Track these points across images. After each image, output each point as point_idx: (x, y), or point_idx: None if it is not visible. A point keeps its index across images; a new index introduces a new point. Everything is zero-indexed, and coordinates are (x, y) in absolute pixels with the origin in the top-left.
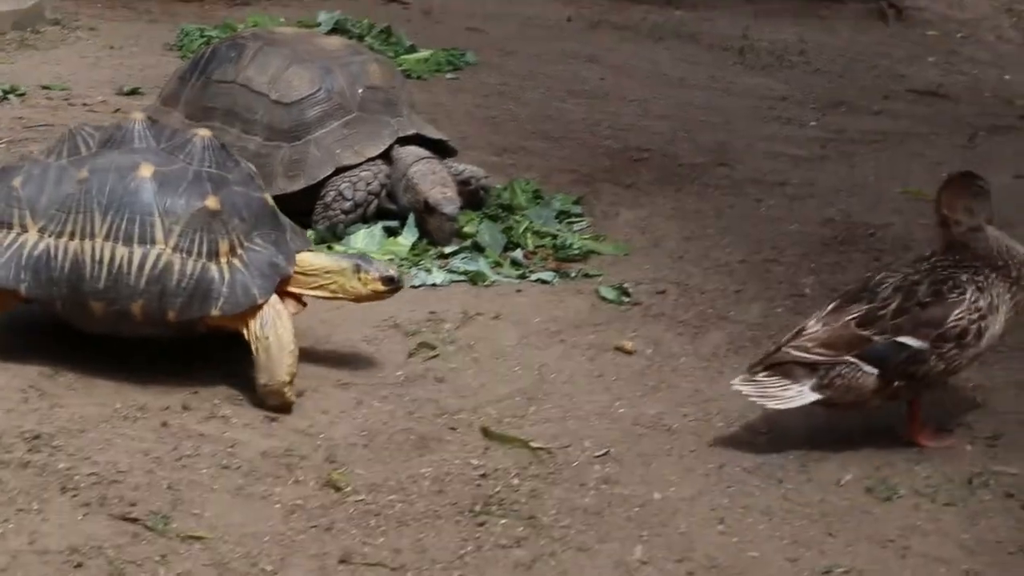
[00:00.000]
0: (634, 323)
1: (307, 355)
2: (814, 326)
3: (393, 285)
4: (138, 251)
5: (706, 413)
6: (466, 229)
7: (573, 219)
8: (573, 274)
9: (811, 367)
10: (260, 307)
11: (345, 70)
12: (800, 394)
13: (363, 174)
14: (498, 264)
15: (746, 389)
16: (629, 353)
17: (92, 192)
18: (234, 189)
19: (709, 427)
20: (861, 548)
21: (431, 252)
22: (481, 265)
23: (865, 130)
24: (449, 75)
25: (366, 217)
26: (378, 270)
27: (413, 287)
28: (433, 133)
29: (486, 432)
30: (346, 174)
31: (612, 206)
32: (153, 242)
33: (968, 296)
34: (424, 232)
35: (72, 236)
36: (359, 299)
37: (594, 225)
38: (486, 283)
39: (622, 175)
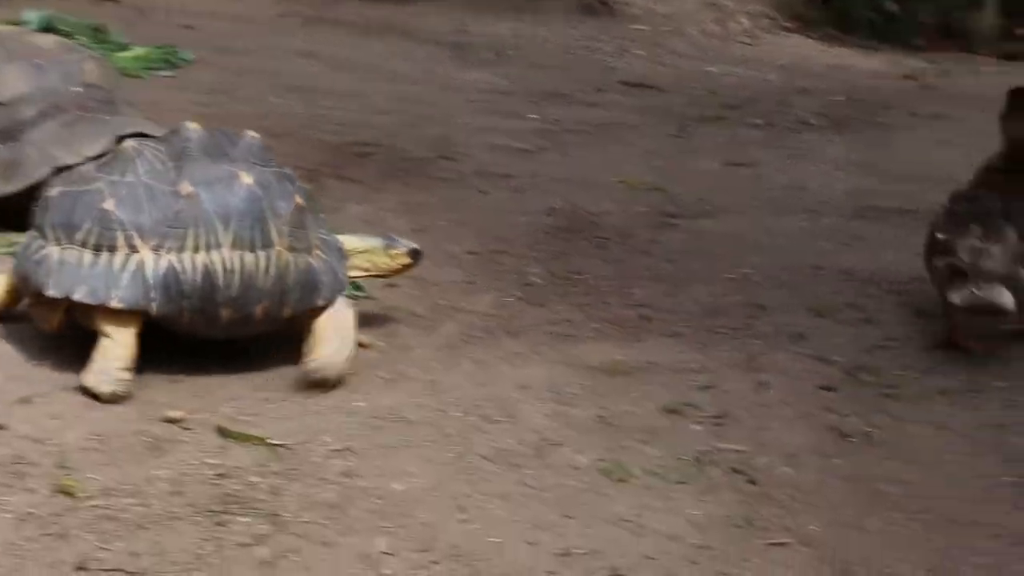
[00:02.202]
0: (368, 316)
1: (34, 359)
2: (994, 248)
3: (418, 257)
4: (262, 255)
5: (442, 404)
6: None
7: None
8: None
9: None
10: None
11: (60, 68)
12: (1008, 300)
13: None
14: None
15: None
16: (364, 347)
17: (205, 204)
18: (296, 184)
19: (446, 417)
20: (598, 529)
21: None
22: None
23: (582, 121)
24: (165, 73)
25: None
26: (404, 244)
27: None
28: (154, 130)
29: (222, 431)
30: (66, 174)
31: (340, 201)
32: (271, 244)
33: None
34: None
35: (196, 249)
36: (389, 274)
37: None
38: None
39: (348, 170)
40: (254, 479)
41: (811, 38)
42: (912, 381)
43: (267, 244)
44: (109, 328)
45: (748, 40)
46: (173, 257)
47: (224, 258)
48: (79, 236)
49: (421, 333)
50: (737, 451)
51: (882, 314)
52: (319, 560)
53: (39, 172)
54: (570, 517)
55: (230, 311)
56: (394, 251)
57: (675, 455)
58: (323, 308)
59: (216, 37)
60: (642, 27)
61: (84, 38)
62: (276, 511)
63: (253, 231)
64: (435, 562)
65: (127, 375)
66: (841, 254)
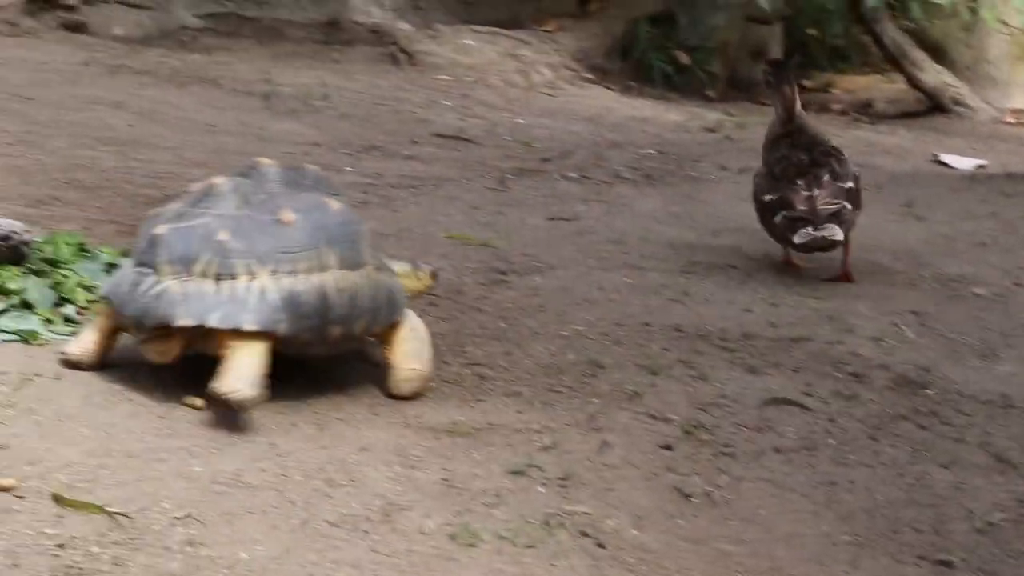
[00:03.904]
0: (202, 378)
1: None
2: (821, 193)
3: (437, 278)
4: (360, 274)
5: (284, 467)
6: (10, 286)
7: None
8: None
9: (835, 215)
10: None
11: None
12: (839, 232)
13: None
14: (50, 321)
15: (816, 233)
16: (199, 409)
17: (309, 229)
18: None
19: (289, 481)
20: None
21: None
22: (33, 323)
23: (401, 175)
24: None
25: None
26: (426, 266)
27: None
28: None
29: (58, 499)
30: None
31: None
32: (365, 264)
33: (845, 154)
34: None
35: (309, 272)
36: (416, 295)
37: None
38: (40, 342)
39: None
40: (95, 549)
41: (611, 89)
42: (747, 439)
43: (362, 264)
44: (239, 351)
45: (551, 91)
46: (290, 281)
47: (334, 279)
48: (198, 268)
49: None
50: (584, 513)
51: (714, 371)
52: None
53: None
54: None
55: (339, 328)
56: (420, 273)
57: (523, 518)
58: (399, 322)
59: (16, 86)
60: (447, 78)
61: None
62: None
63: (351, 252)
64: None
65: (262, 382)
66: (669, 310)
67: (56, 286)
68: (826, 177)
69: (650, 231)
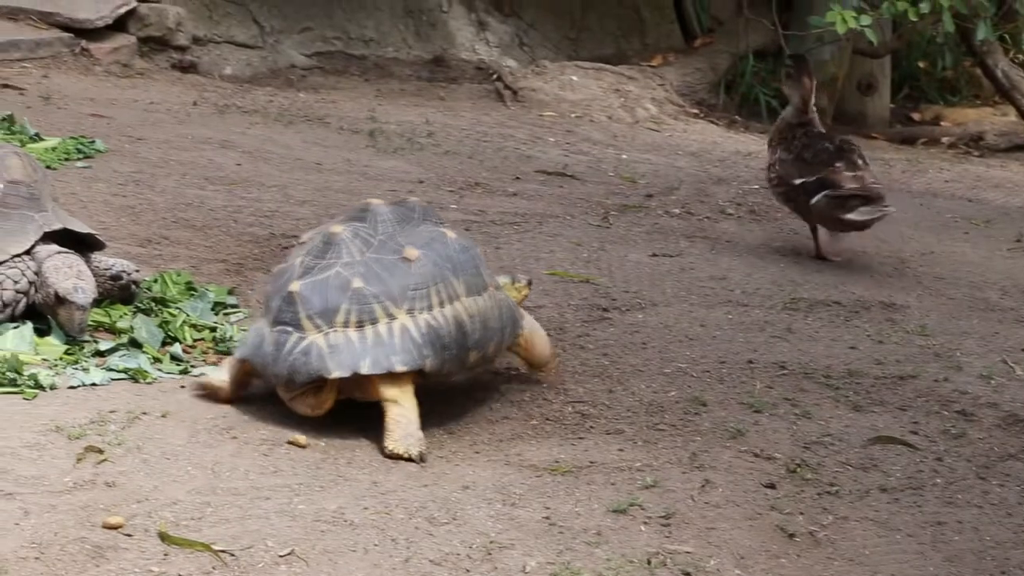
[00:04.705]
0: (304, 416)
1: None
2: (868, 175)
3: (531, 286)
4: (486, 298)
5: (386, 505)
6: (120, 325)
7: (229, 310)
8: None
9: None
10: None
11: None
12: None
13: (9, 272)
14: (158, 360)
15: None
16: (303, 447)
17: (438, 264)
18: None
19: (391, 519)
20: None
21: (86, 350)
22: (141, 361)
23: (504, 212)
24: (80, 164)
25: (15, 316)
26: (522, 277)
27: (72, 387)
28: (80, 227)
29: (164, 537)
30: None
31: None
32: (487, 287)
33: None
34: (59, 327)
35: (442, 304)
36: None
37: (251, 315)
38: (148, 380)
39: (272, 263)
40: None
41: (716, 124)
42: (852, 478)
43: (484, 287)
44: (392, 393)
45: (655, 127)
46: (427, 316)
47: (465, 306)
48: (339, 319)
49: (359, 431)
50: (686, 553)
51: (818, 409)
52: None
53: None
54: None
55: (476, 353)
56: (519, 284)
57: (625, 557)
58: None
59: (128, 126)
60: (551, 114)
61: None
62: None
63: (474, 278)
64: None
65: (422, 435)
66: (773, 347)
67: (164, 325)
68: (860, 161)
69: (754, 267)
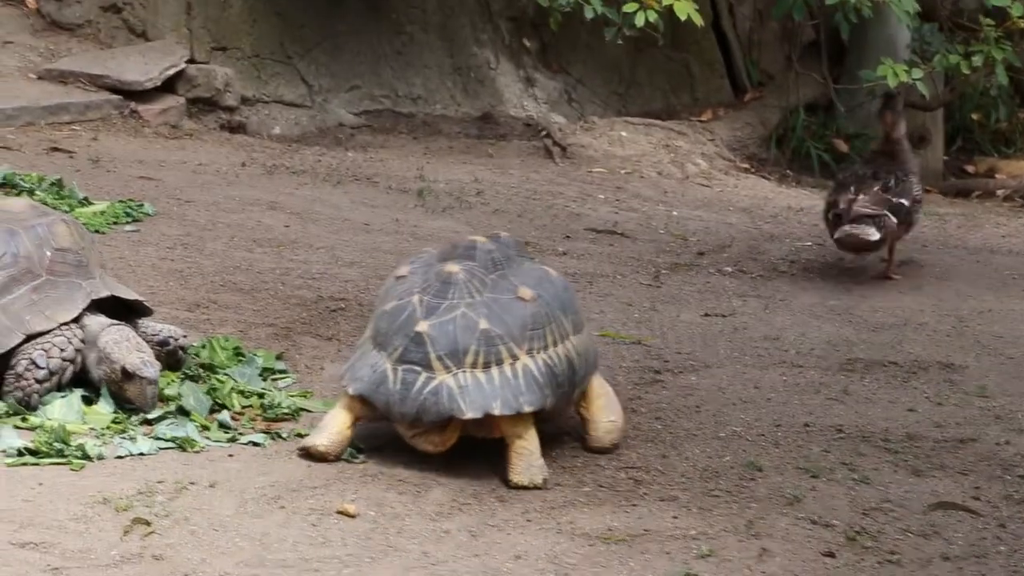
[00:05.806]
0: (353, 484)
1: (11, 539)
2: (862, 197)
3: None
4: (585, 334)
5: None
6: (167, 392)
7: (278, 376)
8: (285, 434)
9: (872, 218)
10: None
11: (31, 232)
12: (874, 233)
13: (56, 340)
14: (206, 428)
15: (851, 229)
16: (352, 516)
17: (550, 303)
18: None
19: None
20: None
21: (133, 419)
22: (189, 430)
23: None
24: (128, 227)
25: (61, 385)
26: None
27: (119, 457)
28: (128, 294)
29: None
30: (38, 341)
31: (315, 360)
32: (584, 324)
33: (914, 180)
34: (122, 401)
35: (555, 343)
36: None
37: (300, 381)
38: (196, 449)
39: (321, 326)
40: None
41: (767, 179)
42: (913, 546)
43: (583, 324)
44: (516, 430)
45: (706, 182)
46: (544, 355)
47: (574, 344)
48: (469, 359)
49: (409, 500)
50: None
51: (877, 474)
52: None
53: (11, 340)
54: None
55: (579, 389)
56: None
57: None
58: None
59: (176, 189)
60: (601, 170)
61: (44, 194)
62: None
63: (577, 316)
64: None
65: (543, 462)
66: (829, 410)
67: (211, 392)
68: (876, 188)
69: (808, 327)
